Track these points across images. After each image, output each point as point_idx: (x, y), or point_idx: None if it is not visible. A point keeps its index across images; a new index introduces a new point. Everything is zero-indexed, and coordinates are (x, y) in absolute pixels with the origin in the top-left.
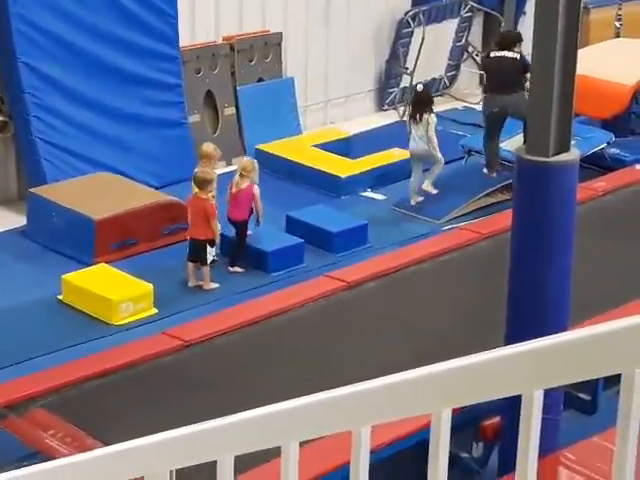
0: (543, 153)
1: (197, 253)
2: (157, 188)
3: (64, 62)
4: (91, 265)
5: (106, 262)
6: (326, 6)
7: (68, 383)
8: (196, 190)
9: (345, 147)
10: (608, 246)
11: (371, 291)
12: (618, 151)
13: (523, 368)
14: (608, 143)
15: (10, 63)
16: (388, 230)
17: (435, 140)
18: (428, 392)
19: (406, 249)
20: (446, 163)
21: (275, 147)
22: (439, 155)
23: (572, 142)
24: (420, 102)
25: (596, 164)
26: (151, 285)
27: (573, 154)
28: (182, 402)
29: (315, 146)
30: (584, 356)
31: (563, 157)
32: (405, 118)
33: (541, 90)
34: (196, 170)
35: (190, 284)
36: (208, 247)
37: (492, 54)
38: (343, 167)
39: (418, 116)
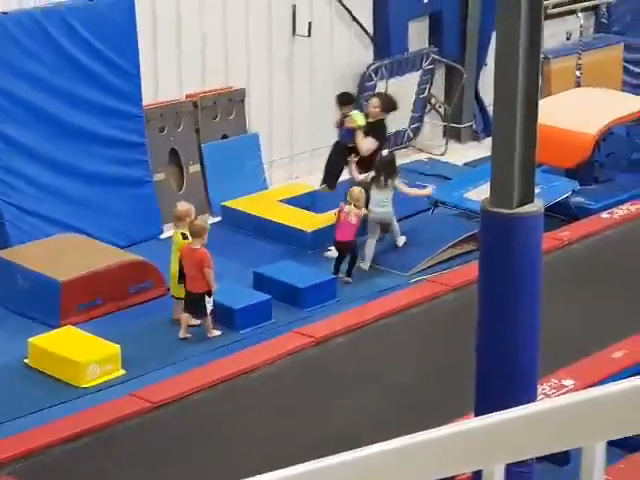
0: (507, 204)
1: (195, 306)
2: (123, 247)
3: (25, 123)
4: (58, 327)
5: (73, 324)
6: (289, 61)
7: (35, 449)
8: (189, 241)
9: (311, 201)
10: (574, 295)
11: (340, 347)
12: (583, 199)
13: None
14: (573, 191)
15: None
16: (356, 284)
17: (408, 190)
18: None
19: (374, 303)
20: (413, 215)
21: (241, 203)
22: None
23: (536, 192)
24: (385, 167)
25: (561, 213)
26: (118, 346)
27: (537, 205)
28: (152, 465)
29: (281, 201)
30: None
31: (527, 208)
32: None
33: (503, 141)
34: (196, 221)
35: (180, 335)
36: (206, 297)
37: None
38: (309, 222)
39: (382, 180)
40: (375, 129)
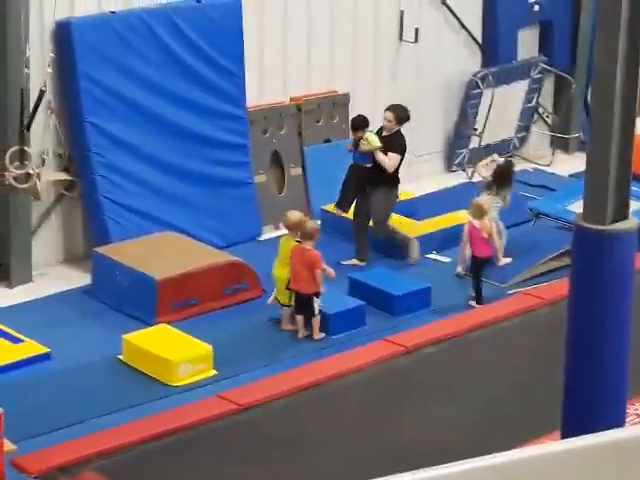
0: (600, 221)
1: (304, 306)
2: (222, 248)
3: (130, 121)
4: (153, 325)
5: (168, 322)
6: (394, 66)
7: (120, 446)
8: (300, 241)
9: (411, 208)
10: None
11: (430, 357)
12: None
13: None
14: None
15: (77, 123)
16: (452, 293)
17: (495, 228)
18: None
19: (468, 314)
20: (514, 225)
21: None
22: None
23: (636, 206)
24: (501, 175)
25: None
26: (210, 346)
27: (632, 222)
28: (234, 468)
29: None
30: None
31: (621, 225)
32: (473, 180)
33: (598, 157)
34: (307, 223)
35: (300, 335)
36: (314, 298)
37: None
38: (408, 228)
39: (495, 188)
40: (394, 142)
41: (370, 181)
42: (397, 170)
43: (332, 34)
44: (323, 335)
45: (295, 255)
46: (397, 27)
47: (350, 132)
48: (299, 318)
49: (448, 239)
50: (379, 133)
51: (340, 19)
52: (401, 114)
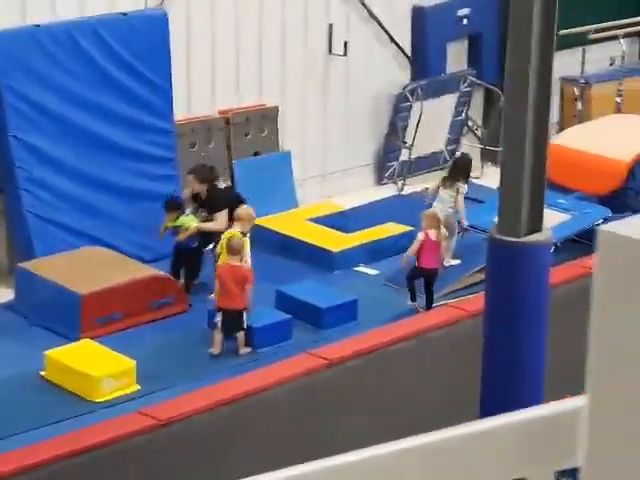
0: (514, 233)
1: (232, 322)
2: (148, 262)
3: (55, 135)
4: (77, 340)
5: (92, 337)
6: (324, 80)
7: (39, 463)
8: (227, 258)
9: (341, 221)
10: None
11: (352, 370)
12: None
13: None
14: (605, 219)
15: (1, 137)
16: (379, 306)
17: (462, 207)
18: None
19: (391, 326)
20: None
21: (269, 221)
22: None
23: (567, 218)
24: (457, 168)
25: (592, 240)
26: (134, 361)
27: (545, 234)
28: None
29: (310, 220)
30: None
31: (535, 237)
32: (403, 192)
33: (512, 169)
34: (228, 238)
35: (215, 352)
36: (244, 313)
37: None
38: (336, 241)
39: (449, 181)
40: (213, 202)
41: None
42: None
43: (260, 47)
44: (249, 350)
45: (224, 273)
46: (326, 40)
47: (279, 145)
48: (218, 335)
49: (377, 252)
50: (196, 197)
51: (268, 32)
52: (203, 174)
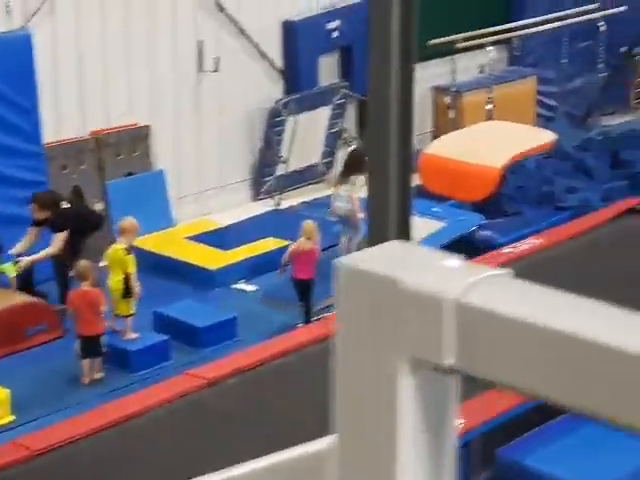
0: None
1: (92, 348)
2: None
3: None
4: None
5: None
6: (196, 97)
7: None
8: (131, 257)
9: (218, 238)
10: None
11: (231, 388)
12: (489, 233)
13: None
14: (479, 226)
15: None
16: (258, 322)
17: (358, 202)
18: None
19: (269, 343)
20: (323, 250)
21: (146, 241)
22: (359, 217)
23: (442, 226)
24: (350, 163)
25: (469, 247)
26: (8, 391)
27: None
28: None
29: (188, 238)
30: None
31: None
32: (280, 207)
33: (378, 181)
34: (78, 264)
35: (86, 380)
36: (101, 338)
37: None
38: (214, 259)
39: (344, 177)
40: (55, 226)
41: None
42: (73, 247)
43: (129, 65)
44: (101, 375)
45: (76, 299)
46: (196, 57)
47: (152, 164)
48: (86, 362)
49: (255, 268)
50: (44, 221)
51: (137, 50)
52: (44, 200)
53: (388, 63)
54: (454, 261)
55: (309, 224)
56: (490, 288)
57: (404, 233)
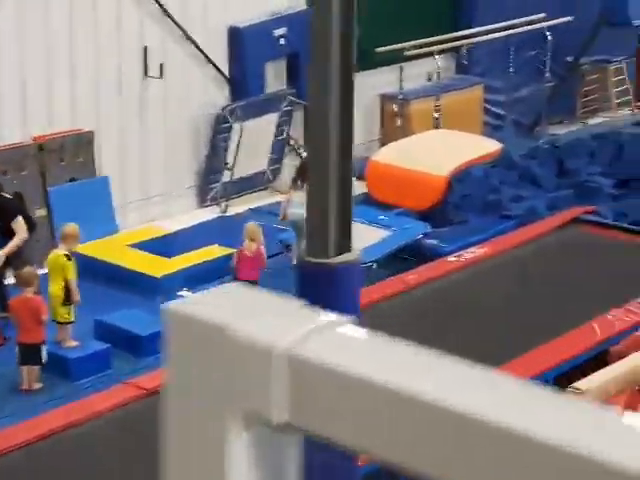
0: (323, 254)
1: (32, 356)
2: None
3: None
4: None
5: None
6: (141, 103)
7: None
8: (72, 263)
9: (164, 245)
10: (413, 341)
11: None
12: (436, 242)
13: None
14: (424, 234)
15: None
16: None
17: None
18: None
19: None
20: (268, 257)
21: (89, 248)
22: None
23: (387, 234)
24: (304, 170)
25: (415, 255)
26: None
27: (355, 254)
28: None
29: (132, 246)
30: None
31: (344, 258)
32: (227, 214)
33: (318, 190)
34: (21, 271)
35: (25, 387)
36: (42, 346)
37: None
38: (159, 266)
39: (300, 182)
40: (1, 212)
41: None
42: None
43: (73, 70)
44: (40, 385)
45: (18, 306)
46: (141, 63)
47: (96, 170)
48: (25, 369)
49: (200, 275)
50: None
51: (81, 55)
52: None
53: (328, 72)
54: (293, 306)
55: (252, 225)
56: (327, 338)
57: (345, 244)
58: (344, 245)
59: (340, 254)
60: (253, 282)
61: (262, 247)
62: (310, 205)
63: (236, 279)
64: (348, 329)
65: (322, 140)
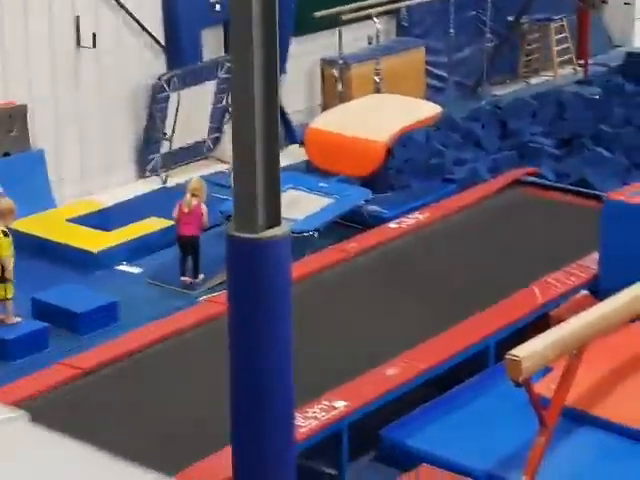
0: (251, 229)
1: None
2: None
3: None
4: None
5: None
6: (74, 74)
7: None
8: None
9: (102, 219)
10: (350, 311)
11: (105, 378)
12: (377, 208)
13: None
14: (366, 201)
15: None
16: (142, 305)
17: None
18: None
19: (150, 327)
20: (207, 229)
21: (25, 224)
22: None
23: (329, 202)
24: None
25: (357, 222)
26: None
27: (283, 229)
28: None
29: (69, 220)
30: None
31: (272, 232)
32: (167, 185)
33: (244, 163)
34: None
35: None
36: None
37: None
38: (97, 241)
39: None
40: None
41: None
42: None
43: (4, 43)
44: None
45: None
46: (74, 33)
47: (31, 144)
48: None
49: (139, 249)
50: None
51: (11, 27)
52: None
53: (250, 41)
54: None
55: (196, 180)
56: None
57: (274, 217)
58: (274, 219)
59: (269, 228)
60: (195, 237)
61: (203, 205)
62: (236, 177)
63: (178, 234)
64: (18, 424)
65: (246, 109)
